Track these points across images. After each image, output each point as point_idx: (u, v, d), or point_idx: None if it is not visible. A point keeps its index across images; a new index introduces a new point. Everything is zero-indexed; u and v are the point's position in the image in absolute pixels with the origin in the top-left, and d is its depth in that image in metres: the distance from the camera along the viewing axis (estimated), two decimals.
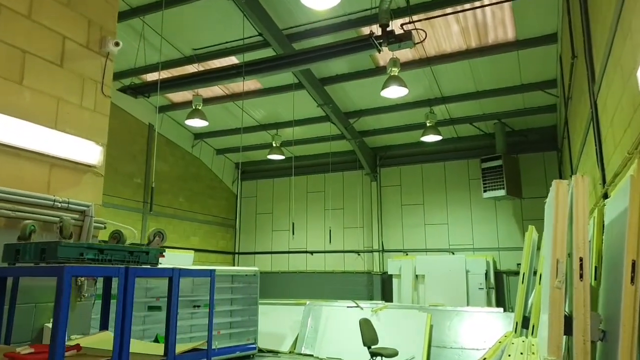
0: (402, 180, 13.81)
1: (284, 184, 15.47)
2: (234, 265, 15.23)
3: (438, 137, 10.86)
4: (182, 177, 12.99)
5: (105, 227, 4.15)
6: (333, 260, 14.14)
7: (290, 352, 10.78)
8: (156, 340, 8.41)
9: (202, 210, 13.90)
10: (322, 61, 7.49)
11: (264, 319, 11.73)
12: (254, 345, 10.31)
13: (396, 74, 8.05)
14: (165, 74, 9.77)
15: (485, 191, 11.23)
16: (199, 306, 9.68)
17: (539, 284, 4.92)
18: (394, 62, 8.06)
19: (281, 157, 12.42)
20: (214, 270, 3.53)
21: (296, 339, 11.03)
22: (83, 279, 3.86)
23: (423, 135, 10.85)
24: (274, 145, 12.42)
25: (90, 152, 4.25)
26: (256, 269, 10.90)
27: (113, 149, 10.91)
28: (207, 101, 11.29)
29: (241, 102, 11.69)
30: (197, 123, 9.71)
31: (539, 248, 6.22)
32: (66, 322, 3.16)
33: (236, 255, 15.43)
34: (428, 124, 10.77)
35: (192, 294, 9.81)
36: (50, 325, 3.22)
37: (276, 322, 11.74)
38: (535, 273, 6.11)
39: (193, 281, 10.02)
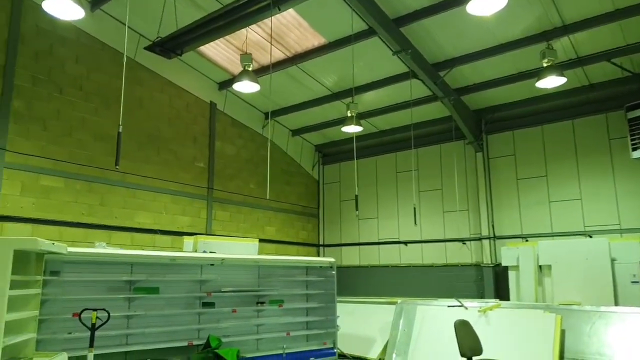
0: (516, 147, 11.64)
1: (369, 164, 14.10)
2: None
3: (561, 80, 8.66)
4: (252, 161, 12.30)
5: None
6: (432, 251, 12.45)
7: (379, 359, 9.44)
8: (208, 343, 7.61)
9: (278, 197, 13.10)
10: None
11: (350, 319, 10.61)
12: (332, 350, 9.15)
13: None
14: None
15: (635, 149, 8.76)
16: (263, 302, 8.75)
17: None
18: None
19: (358, 128, 11.08)
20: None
21: (386, 344, 9.67)
22: None
23: (539, 79, 8.73)
24: (350, 114, 11.12)
25: None
26: (332, 259, 9.74)
27: (171, 131, 10.51)
28: (265, 70, 10.41)
29: (307, 66, 10.60)
30: (246, 87, 8.80)
31: None
32: None
33: (321, 248, 14.44)
34: (545, 64, 8.63)
35: (258, 288, 8.93)
36: None
37: (363, 323, 10.59)
38: None
39: (259, 273, 9.15)
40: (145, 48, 9.73)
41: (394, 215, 13.40)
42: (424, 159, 13.08)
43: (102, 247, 6.94)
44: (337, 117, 12.79)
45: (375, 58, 10.11)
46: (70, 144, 8.64)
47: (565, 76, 8.64)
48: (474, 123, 11.88)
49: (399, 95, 11.47)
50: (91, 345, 5.75)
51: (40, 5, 6.43)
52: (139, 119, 9.92)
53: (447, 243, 12.30)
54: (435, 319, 9.14)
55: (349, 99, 11.27)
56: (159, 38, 8.81)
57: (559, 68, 8.67)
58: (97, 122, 8.95)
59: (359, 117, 11.65)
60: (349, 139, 13.67)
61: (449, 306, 9.32)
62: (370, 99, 11.83)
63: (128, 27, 9.65)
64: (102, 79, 9.19)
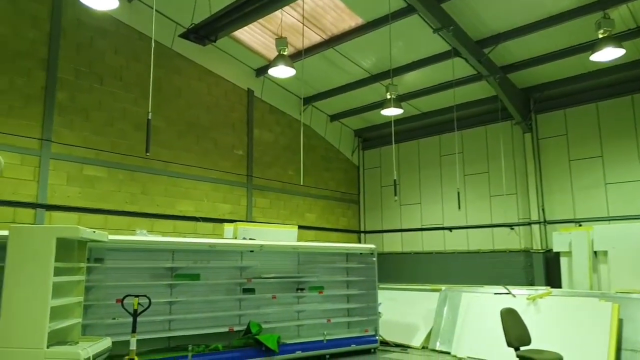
0: (568, 127, 11.02)
1: (411, 148, 13.77)
2: None
3: (619, 52, 8.05)
4: (291, 148, 12.26)
5: None
6: (478, 237, 12.05)
7: (422, 348, 9.36)
8: (248, 329, 7.68)
9: (317, 184, 13.03)
10: None
11: (392, 306, 10.49)
12: (374, 337, 9.08)
13: None
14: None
15: None
16: (303, 289, 8.75)
17: None
18: None
19: (399, 111, 10.79)
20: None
21: (430, 332, 9.49)
22: None
23: (594, 52, 8.15)
24: (389, 97, 10.83)
25: None
26: (373, 246, 9.61)
27: (209, 119, 10.61)
28: (301, 54, 10.27)
29: (344, 48, 10.38)
30: (282, 72, 8.70)
31: None
32: None
33: (362, 235, 14.29)
34: (601, 35, 8.05)
35: (298, 275, 8.93)
36: None
37: (406, 310, 10.45)
38: None
39: (298, 260, 9.14)
40: (180, 35, 9.82)
41: (438, 201, 13.05)
42: (469, 141, 12.61)
43: (142, 235, 7.09)
44: (376, 100, 12.51)
45: (415, 37, 9.77)
46: (112, 134, 8.86)
47: (623, 47, 8.03)
48: (522, 102, 11.32)
49: (441, 75, 11.06)
50: (134, 331, 5.90)
51: None
52: (178, 107, 10.06)
53: (494, 228, 11.86)
54: (481, 306, 8.85)
55: (388, 81, 10.98)
56: (193, 25, 8.84)
57: (616, 39, 8.05)
58: (137, 112, 9.13)
59: (400, 99, 11.34)
60: (389, 123, 13.38)
61: (495, 293, 8.99)
62: (411, 80, 11.48)
63: (164, 15, 9.74)
64: (140, 69, 9.35)
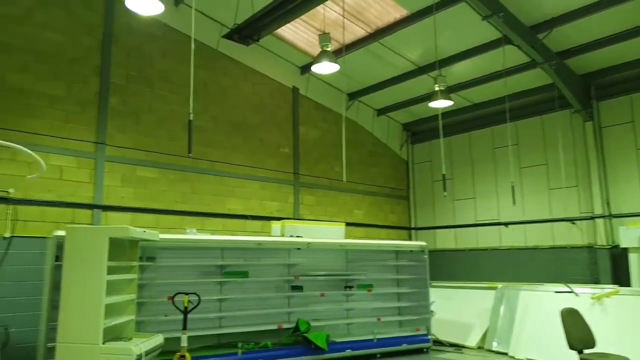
0: (635, 113, 10.30)
1: (462, 141, 13.34)
2: None
3: None
4: (337, 144, 12.19)
5: None
6: (536, 233, 11.51)
7: (478, 348, 9.05)
8: (297, 326, 7.69)
9: (364, 180, 12.89)
10: None
11: (446, 304, 10.25)
12: (427, 337, 8.87)
13: None
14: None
15: None
16: (351, 287, 8.67)
17: None
18: None
19: (448, 103, 10.45)
20: None
21: (486, 331, 9.18)
22: None
23: None
24: (437, 89, 10.52)
25: None
26: (423, 243, 9.40)
27: (256, 118, 10.73)
28: (346, 49, 10.18)
29: (389, 41, 10.18)
30: (325, 68, 8.63)
31: None
32: None
33: (412, 231, 14.01)
34: None
35: (346, 272, 8.86)
36: None
37: (461, 309, 10.18)
38: None
39: (346, 257, 9.07)
40: (224, 36, 9.97)
41: (493, 195, 12.57)
42: (524, 132, 12.05)
43: (192, 233, 7.25)
44: (424, 93, 12.19)
45: (463, 26, 9.42)
46: (162, 135, 9.14)
47: None
48: (581, 89, 10.66)
49: (492, 64, 10.61)
50: (184, 328, 6.04)
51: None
52: (225, 108, 10.23)
53: (554, 223, 11.26)
54: (541, 305, 8.43)
55: (436, 72, 10.66)
56: (236, 25, 8.93)
57: None
58: (185, 113, 9.35)
59: (449, 91, 10.98)
60: (438, 116, 13.01)
61: (556, 292, 8.55)
62: (460, 71, 11.10)
63: (209, 17, 9.92)
64: (188, 71, 9.57)
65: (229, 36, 9.79)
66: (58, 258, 5.56)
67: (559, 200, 11.24)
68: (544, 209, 11.47)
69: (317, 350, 7.61)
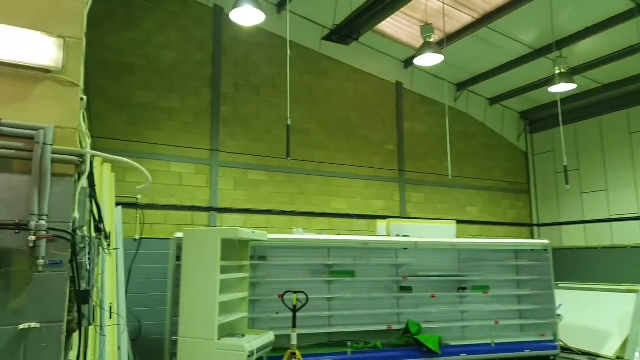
0: None
1: (590, 127, 12.03)
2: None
3: None
4: (445, 138, 11.70)
5: (82, 161, 2.97)
6: None
7: (617, 358, 8.13)
8: (407, 328, 7.52)
9: (477, 174, 12.22)
10: None
11: (577, 308, 9.42)
12: (553, 343, 8.18)
13: None
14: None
15: None
16: (465, 288, 8.27)
17: None
18: None
19: (571, 86, 9.50)
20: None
21: (626, 340, 8.23)
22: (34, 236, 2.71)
23: None
24: (558, 71, 9.62)
25: (40, 49, 2.96)
26: (546, 241, 8.69)
27: (359, 117, 10.74)
28: (452, 38, 9.74)
29: (499, 25, 9.54)
30: (429, 60, 8.32)
31: None
32: None
33: (535, 228, 12.98)
34: None
35: (459, 273, 8.49)
36: None
37: (595, 314, 9.32)
38: None
39: (459, 257, 8.69)
40: (324, 38, 10.11)
41: (630, 186, 11.16)
42: None
43: (299, 233, 7.46)
44: (543, 77, 11.22)
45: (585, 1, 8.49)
46: (270, 140, 9.54)
47: None
48: None
49: (623, 40, 9.41)
50: (294, 326, 6.23)
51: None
52: (328, 109, 10.38)
53: None
54: None
55: (556, 54, 9.77)
56: (335, 26, 9.00)
57: None
58: (291, 118, 9.66)
59: (572, 73, 9.98)
60: (562, 100, 11.89)
61: None
62: (584, 50, 10.02)
63: (310, 20, 10.13)
64: (292, 76, 9.88)
65: (328, 37, 9.92)
66: (178, 258, 6.04)
67: None
68: None
69: (429, 353, 7.38)
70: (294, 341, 6.14)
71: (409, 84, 11.61)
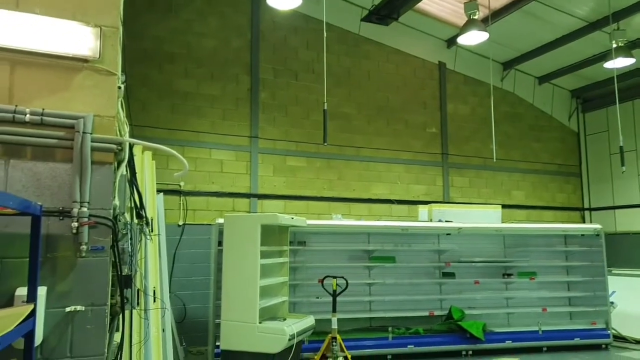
0: None
1: None
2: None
3: None
4: (491, 120, 11.32)
5: (121, 149, 3.01)
6: None
7: None
8: (450, 314, 7.42)
9: (524, 157, 11.78)
10: None
11: (632, 296, 9.07)
12: (605, 331, 7.87)
13: None
14: None
15: None
16: (510, 274, 8.05)
17: None
18: None
19: (629, 61, 8.96)
20: None
21: None
22: (77, 222, 2.79)
23: None
24: (615, 45, 9.08)
25: (78, 39, 2.96)
26: (598, 226, 8.32)
27: (399, 99, 10.54)
28: (498, 15, 9.35)
29: None
30: (473, 38, 8.03)
31: None
32: (36, 285, 2.48)
33: (586, 212, 12.42)
34: None
35: (504, 259, 8.28)
36: (24, 290, 2.62)
37: None
38: None
39: (504, 242, 8.46)
40: (363, 19, 9.93)
41: None
42: None
43: (338, 219, 7.46)
44: (598, 53, 10.62)
45: None
46: (308, 125, 9.53)
47: None
48: None
49: None
50: (334, 310, 6.26)
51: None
52: (368, 92, 10.24)
53: None
54: None
55: (612, 27, 9.20)
56: (374, 6, 8.80)
57: None
58: (329, 102, 9.59)
59: (631, 47, 9.41)
60: (618, 76, 11.23)
61: None
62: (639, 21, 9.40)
63: (348, 1, 9.97)
64: (330, 60, 9.79)
65: (367, 18, 9.73)
66: (220, 243, 6.17)
67: None
68: None
69: (473, 339, 7.26)
70: (335, 325, 6.18)
71: (452, 64, 11.27)
